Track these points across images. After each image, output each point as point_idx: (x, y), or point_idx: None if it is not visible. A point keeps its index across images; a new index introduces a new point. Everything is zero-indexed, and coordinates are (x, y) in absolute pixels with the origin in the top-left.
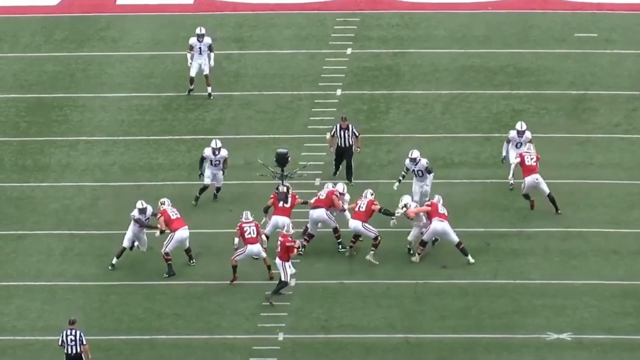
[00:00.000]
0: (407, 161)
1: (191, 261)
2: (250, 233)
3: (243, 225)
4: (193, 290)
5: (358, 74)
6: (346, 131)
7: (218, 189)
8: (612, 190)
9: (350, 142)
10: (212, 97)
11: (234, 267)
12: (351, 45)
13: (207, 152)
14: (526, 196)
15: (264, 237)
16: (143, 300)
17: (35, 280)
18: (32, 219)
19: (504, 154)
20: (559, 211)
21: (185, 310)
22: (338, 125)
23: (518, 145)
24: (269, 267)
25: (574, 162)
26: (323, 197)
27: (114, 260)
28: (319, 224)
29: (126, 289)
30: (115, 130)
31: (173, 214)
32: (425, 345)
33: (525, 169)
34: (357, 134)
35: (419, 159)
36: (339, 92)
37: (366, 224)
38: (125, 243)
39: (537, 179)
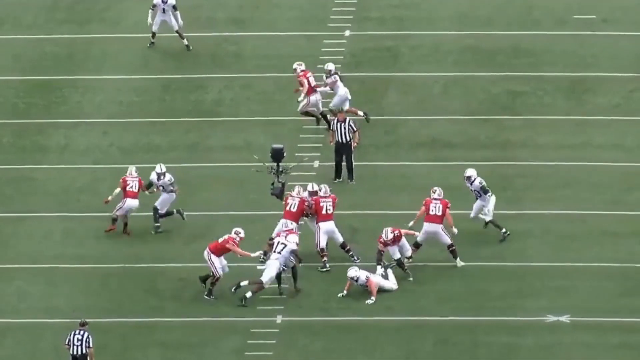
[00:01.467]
0: (466, 182)
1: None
2: (132, 187)
3: (127, 178)
4: (192, 273)
5: (357, 55)
6: (343, 124)
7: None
8: (611, 171)
9: (348, 137)
10: (191, 48)
11: (114, 220)
12: (350, 27)
13: (153, 176)
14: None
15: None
16: (143, 283)
17: (36, 262)
18: (32, 201)
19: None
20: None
21: (184, 292)
22: (335, 119)
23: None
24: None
25: (573, 144)
26: (331, 212)
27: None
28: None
29: (126, 271)
30: (115, 112)
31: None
32: (425, 327)
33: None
34: (355, 129)
35: (474, 178)
36: None
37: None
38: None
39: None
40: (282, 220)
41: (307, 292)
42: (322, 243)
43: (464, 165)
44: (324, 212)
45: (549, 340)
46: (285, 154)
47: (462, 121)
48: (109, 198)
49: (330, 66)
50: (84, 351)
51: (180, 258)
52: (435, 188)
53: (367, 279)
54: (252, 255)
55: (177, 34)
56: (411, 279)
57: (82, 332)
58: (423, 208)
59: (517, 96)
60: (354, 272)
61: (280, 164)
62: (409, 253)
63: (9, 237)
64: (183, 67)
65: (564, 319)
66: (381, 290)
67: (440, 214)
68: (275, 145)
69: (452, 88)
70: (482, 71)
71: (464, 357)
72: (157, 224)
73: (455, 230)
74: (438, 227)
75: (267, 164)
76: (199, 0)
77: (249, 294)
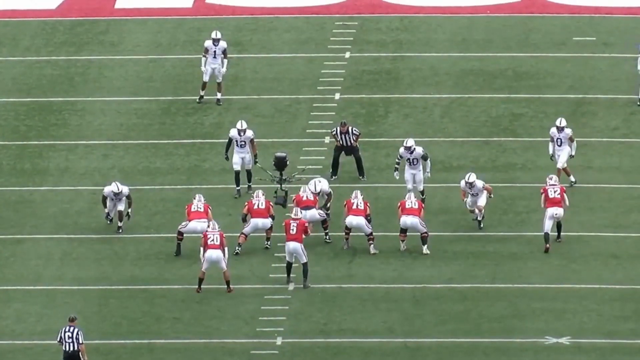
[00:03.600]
0: (402, 149)
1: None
2: (213, 240)
3: (207, 233)
4: (192, 294)
5: (357, 77)
6: (346, 135)
7: (249, 175)
8: (610, 193)
9: (353, 141)
10: (220, 103)
11: (200, 280)
12: (350, 49)
13: (233, 132)
14: (546, 236)
15: (226, 250)
16: (142, 304)
17: (34, 284)
18: (31, 223)
19: (550, 152)
20: (559, 239)
21: (184, 314)
22: (338, 129)
23: (559, 142)
24: (227, 283)
25: (572, 166)
26: (311, 198)
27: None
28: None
29: (125, 293)
30: (114, 134)
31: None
32: (424, 349)
33: (548, 201)
34: (357, 133)
35: (414, 147)
36: (337, 96)
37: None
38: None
39: (556, 213)
40: (253, 220)
41: (307, 313)
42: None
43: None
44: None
45: None
46: (288, 162)
47: (462, 143)
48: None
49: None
50: (76, 347)
51: (180, 280)
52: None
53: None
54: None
55: (217, 85)
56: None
57: (71, 329)
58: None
59: (518, 118)
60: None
61: (283, 172)
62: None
63: (8, 259)
64: (182, 90)
65: (564, 340)
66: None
67: (417, 207)
68: (279, 154)
69: (452, 110)
70: (482, 93)
71: None
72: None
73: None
74: (415, 220)
75: (270, 173)
76: (198, 23)
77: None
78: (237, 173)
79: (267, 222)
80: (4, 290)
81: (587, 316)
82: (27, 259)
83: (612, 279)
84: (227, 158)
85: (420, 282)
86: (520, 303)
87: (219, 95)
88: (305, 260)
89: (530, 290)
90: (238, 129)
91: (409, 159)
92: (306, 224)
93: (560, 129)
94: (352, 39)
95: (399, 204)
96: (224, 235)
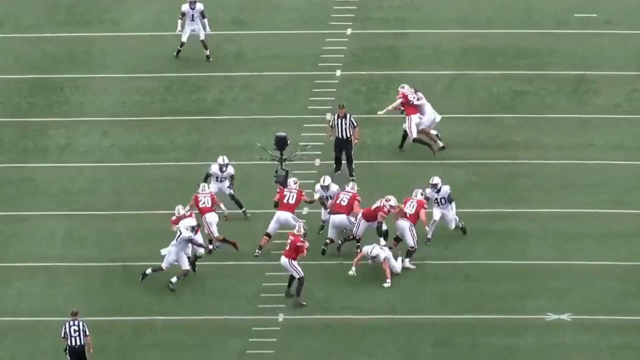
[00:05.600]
0: (428, 190)
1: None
2: (204, 203)
3: (198, 196)
4: (194, 273)
5: (358, 54)
6: (344, 120)
7: (234, 200)
8: (612, 171)
9: (349, 134)
10: (210, 60)
11: (224, 240)
12: (351, 26)
13: (214, 168)
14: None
15: (222, 205)
16: (146, 282)
17: (37, 262)
18: (33, 201)
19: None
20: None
21: (185, 292)
22: (336, 115)
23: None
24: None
25: (574, 143)
26: (345, 204)
27: (148, 271)
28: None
29: (127, 271)
30: (116, 112)
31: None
32: (425, 327)
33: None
34: (355, 124)
35: (440, 186)
36: (338, 73)
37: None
38: (164, 265)
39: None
40: (277, 213)
41: (308, 290)
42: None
43: (466, 164)
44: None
45: (549, 341)
46: (289, 142)
47: (463, 120)
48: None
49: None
50: (82, 341)
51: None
52: (419, 191)
53: (385, 259)
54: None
55: (201, 43)
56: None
57: (77, 322)
58: (423, 211)
59: (519, 96)
60: (377, 250)
61: (283, 152)
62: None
63: (10, 237)
64: (184, 67)
65: (565, 317)
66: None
67: (413, 212)
68: (279, 133)
69: (453, 88)
70: (483, 70)
71: (463, 358)
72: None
73: (427, 229)
74: (406, 225)
75: (270, 152)
76: (200, 1)
77: (173, 280)
78: None
79: (290, 217)
80: (7, 269)
81: (588, 293)
82: (29, 237)
83: (614, 256)
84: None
85: (422, 260)
86: (521, 281)
87: (207, 52)
88: (298, 276)
89: (531, 268)
90: (220, 165)
91: (436, 199)
92: (299, 243)
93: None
94: (353, 16)
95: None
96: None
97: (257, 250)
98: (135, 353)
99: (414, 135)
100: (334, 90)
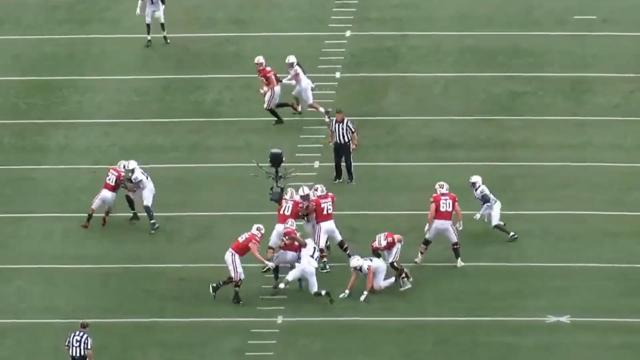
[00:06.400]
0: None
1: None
2: (110, 180)
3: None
4: (193, 273)
5: (357, 55)
6: (341, 124)
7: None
8: (611, 171)
9: (347, 138)
10: (168, 42)
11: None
12: (350, 27)
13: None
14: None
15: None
16: (143, 283)
17: (36, 262)
18: (32, 201)
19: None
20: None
21: (184, 292)
22: (334, 120)
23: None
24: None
25: (573, 144)
26: (331, 211)
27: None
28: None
29: (126, 272)
30: (115, 112)
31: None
32: (425, 328)
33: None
34: (353, 129)
35: (479, 185)
36: (338, 74)
37: (454, 226)
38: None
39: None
40: (277, 226)
41: (307, 292)
42: (322, 243)
43: (464, 166)
44: (324, 212)
45: (549, 341)
46: (284, 159)
47: (462, 121)
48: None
49: (292, 59)
50: (82, 353)
51: (181, 258)
52: (442, 183)
53: (369, 268)
54: (267, 263)
55: (160, 25)
56: (402, 288)
57: (81, 334)
58: (433, 205)
59: (518, 96)
60: (356, 261)
61: (278, 169)
62: (417, 260)
63: (9, 237)
64: (183, 67)
65: (564, 319)
66: (380, 290)
67: (450, 209)
68: (274, 150)
69: (452, 88)
70: (482, 71)
71: (463, 358)
72: (152, 221)
73: (461, 226)
74: (448, 224)
75: (265, 170)
76: (199, 0)
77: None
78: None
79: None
80: (6, 269)
81: (588, 294)
82: (28, 237)
83: (613, 257)
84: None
85: (422, 261)
86: (521, 281)
87: (164, 33)
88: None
89: (530, 269)
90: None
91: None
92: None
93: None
94: (352, 17)
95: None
96: None
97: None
98: (135, 353)
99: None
100: (333, 92)
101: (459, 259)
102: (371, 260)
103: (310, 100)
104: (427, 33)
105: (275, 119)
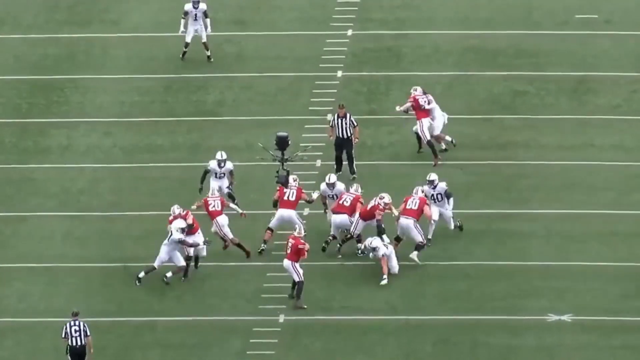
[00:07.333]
0: (425, 186)
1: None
2: (214, 206)
3: (208, 199)
4: (194, 272)
5: (359, 55)
6: (343, 119)
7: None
8: (612, 172)
9: (349, 133)
10: (211, 60)
11: (239, 245)
12: (352, 27)
13: (212, 164)
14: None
15: (232, 205)
16: (144, 282)
17: (36, 262)
18: (33, 201)
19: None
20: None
21: (186, 292)
22: (336, 115)
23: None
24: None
25: (574, 144)
26: (347, 205)
27: (141, 275)
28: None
29: (127, 272)
30: (116, 112)
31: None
32: (426, 327)
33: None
34: (355, 124)
35: (437, 182)
36: (339, 73)
37: (417, 225)
38: (157, 263)
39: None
40: (281, 212)
41: (309, 291)
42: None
43: (466, 165)
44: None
45: (550, 341)
46: (290, 142)
47: (463, 121)
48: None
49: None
50: (83, 342)
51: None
52: (419, 188)
53: (383, 256)
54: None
55: (203, 44)
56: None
57: (77, 323)
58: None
59: (519, 96)
60: (377, 242)
61: (284, 152)
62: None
63: (10, 237)
64: (184, 68)
65: (566, 317)
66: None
67: (416, 208)
68: (280, 133)
69: (453, 88)
70: (483, 71)
71: (464, 357)
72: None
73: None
74: (411, 223)
75: (271, 152)
76: (203, 1)
77: (169, 274)
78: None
79: (293, 215)
80: (6, 269)
81: (589, 294)
82: (29, 238)
83: (614, 257)
84: (200, 190)
85: (422, 260)
86: (522, 281)
87: (208, 53)
88: (297, 279)
89: (532, 268)
90: (218, 160)
91: (432, 195)
92: (300, 246)
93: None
94: (354, 16)
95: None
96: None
97: (262, 245)
98: (136, 353)
99: (428, 138)
100: (335, 91)
101: (416, 253)
102: (385, 245)
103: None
104: (429, 32)
105: (435, 151)
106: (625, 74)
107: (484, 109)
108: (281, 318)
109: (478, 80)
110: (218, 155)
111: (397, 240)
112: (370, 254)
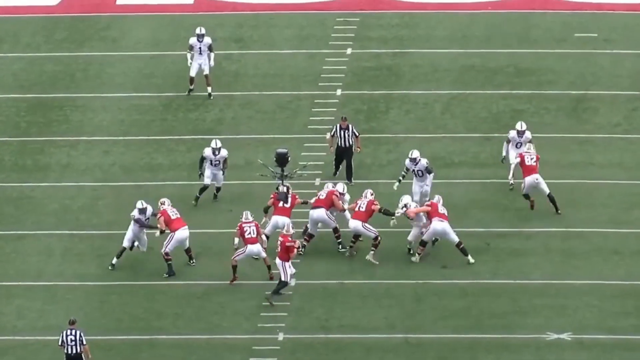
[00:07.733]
0: (407, 161)
1: (191, 261)
2: (250, 233)
3: (243, 225)
4: (193, 290)
5: (358, 73)
6: (346, 131)
7: (218, 189)
8: (612, 190)
9: (350, 142)
10: (212, 97)
11: (234, 267)
12: (351, 45)
13: (207, 152)
14: (526, 196)
15: (264, 237)
16: (143, 300)
17: (35, 280)
18: (32, 219)
19: (503, 153)
20: (559, 211)
21: (185, 310)
22: (338, 125)
23: (518, 145)
24: (269, 267)
25: (574, 162)
26: (323, 197)
27: (114, 260)
28: (319, 224)
29: (126, 289)
30: (116, 130)
31: (173, 214)
32: (425, 345)
33: (525, 169)
34: (357, 134)
35: (419, 159)
36: (339, 92)
37: (366, 224)
38: (125, 243)
39: (537, 179)
40: (275, 218)
41: (308, 309)
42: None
43: (465, 184)
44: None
45: (549, 359)
46: (289, 159)
47: (463, 139)
48: (235, 247)
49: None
50: (79, 350)
51: (181, 276)
52: (437, 195)
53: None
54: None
55: (205, 77)
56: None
57: (74, 331)
58: (428, 208)
59: (518, 114)
60: (406, 199)
61: (284, 168)
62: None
63: (9, 255)
64: (184, 86)
65: (565, 336)
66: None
67: (446, 213)
68: (280, 150)
69: (452, 106)
70: (482, 89)
71: None
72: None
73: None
74: (446, 226)
75: (271, 169)
76: (198, 19)
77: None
78: (205, 187)
79: (287, 221)
80: (5, 286)
81: (588, 312)
82: (28, 255)
83: (614, 275)
84: (201, 175)
85: (421, 278)
86: (521, 299)
87: (209, 90)
88: (282, 278)
89: (531, 286)
90: (213, 148)
91: (414, 170)
92: (288, 243)
93: (520, 133)
94: (353, 35)
95: (429, 202)
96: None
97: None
98: None
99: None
100: (334, 109)
101: (469, 256)
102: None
103: None
104: (428, 51)
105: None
106: (625, 92)
107: (483, 127)
108: (280, 336)
109: (477, 98)
110: (213, 144)
111: (422, 245)
112: (400, 211)
